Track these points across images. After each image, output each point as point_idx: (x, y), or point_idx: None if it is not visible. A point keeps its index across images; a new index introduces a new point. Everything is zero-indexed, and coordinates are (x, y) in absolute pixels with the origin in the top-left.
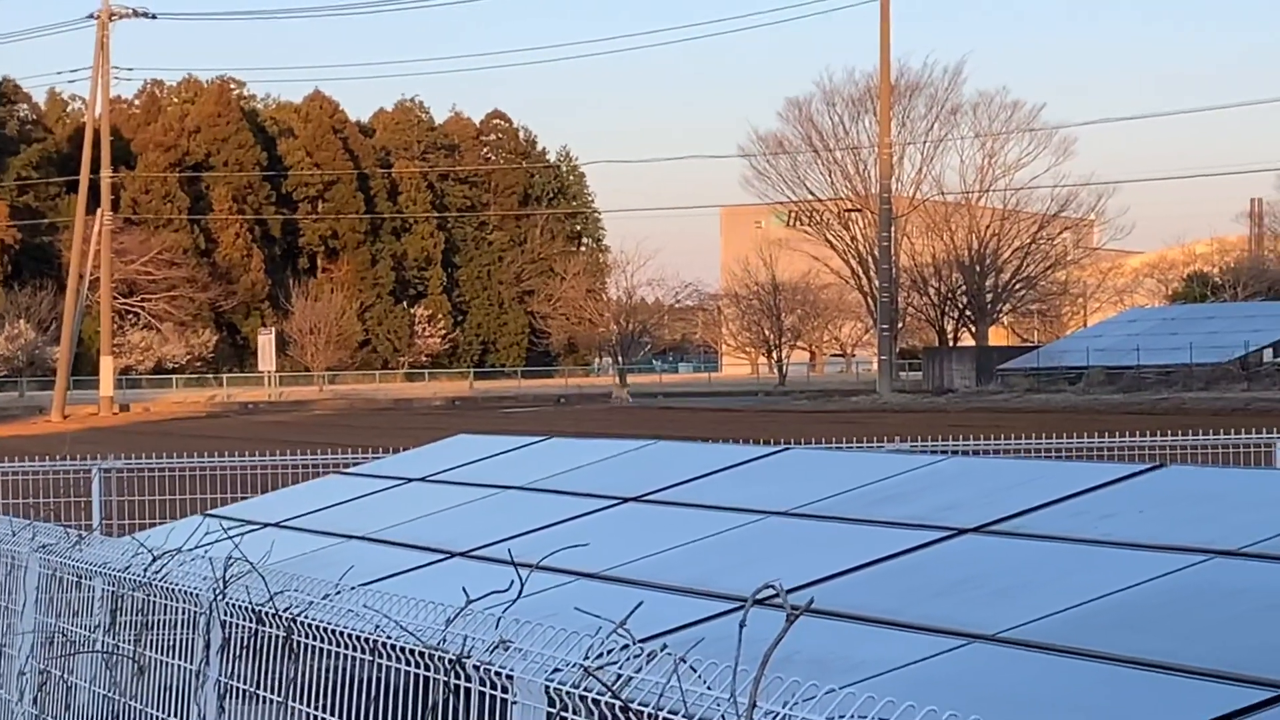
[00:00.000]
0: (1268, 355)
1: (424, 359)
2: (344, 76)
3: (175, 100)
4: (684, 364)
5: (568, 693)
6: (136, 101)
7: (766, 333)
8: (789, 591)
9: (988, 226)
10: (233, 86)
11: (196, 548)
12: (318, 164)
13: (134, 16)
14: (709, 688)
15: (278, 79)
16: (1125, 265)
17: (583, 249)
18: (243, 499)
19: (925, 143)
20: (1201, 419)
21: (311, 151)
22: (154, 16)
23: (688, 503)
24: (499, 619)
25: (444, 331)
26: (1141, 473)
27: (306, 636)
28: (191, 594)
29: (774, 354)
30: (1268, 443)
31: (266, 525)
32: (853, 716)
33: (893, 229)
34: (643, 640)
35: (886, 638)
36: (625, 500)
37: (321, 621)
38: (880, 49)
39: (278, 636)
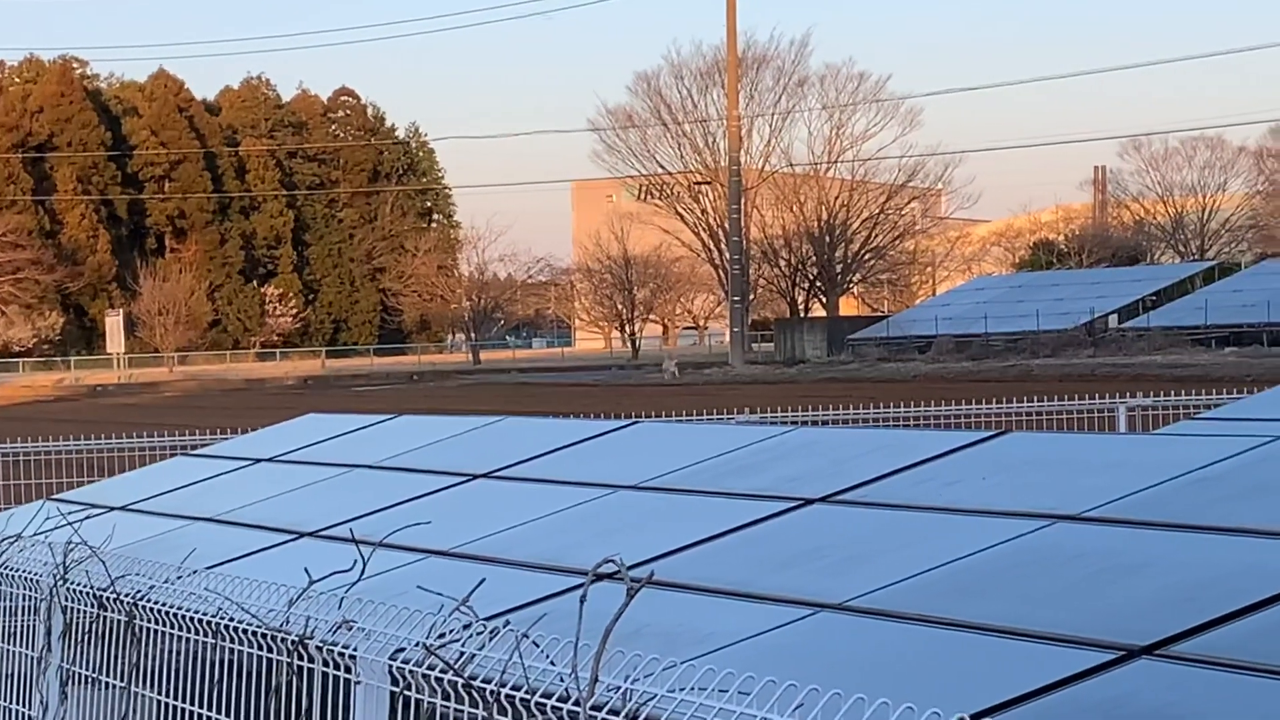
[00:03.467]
0: (1113, 321)
1: (275, 338)
2: (189, 55)
3: (17, 80)
4: (537, 339)
5: (411, 671)
6: None
7: (619, 307)
8: (638, 565)
9: (836, 198)
10: (75, 66)
11: (38, 534)
12: (163, 143)
13: None
14: (552, 663)
15: (122, 58)
16: (973, 234)
17: (434, 226)
18: (91, 483)
19: (773, 115)
20: (1048, 385)
21: (157, 131)
22: None
23: (537, 478)
24: (342, 599)
25: (295, 310)
26: (986, 439)
27: (149, 620)
28: (31, 579)
29: (627, 328)
30: (1111, 408)
31: (110, 509)
32: (694, 688)
33: (742, 201)
34: (487, 618)
35: (735, 609)
36: (474, 477)
37: (164, 605)
38: (727, 22)
39: (120, 621)
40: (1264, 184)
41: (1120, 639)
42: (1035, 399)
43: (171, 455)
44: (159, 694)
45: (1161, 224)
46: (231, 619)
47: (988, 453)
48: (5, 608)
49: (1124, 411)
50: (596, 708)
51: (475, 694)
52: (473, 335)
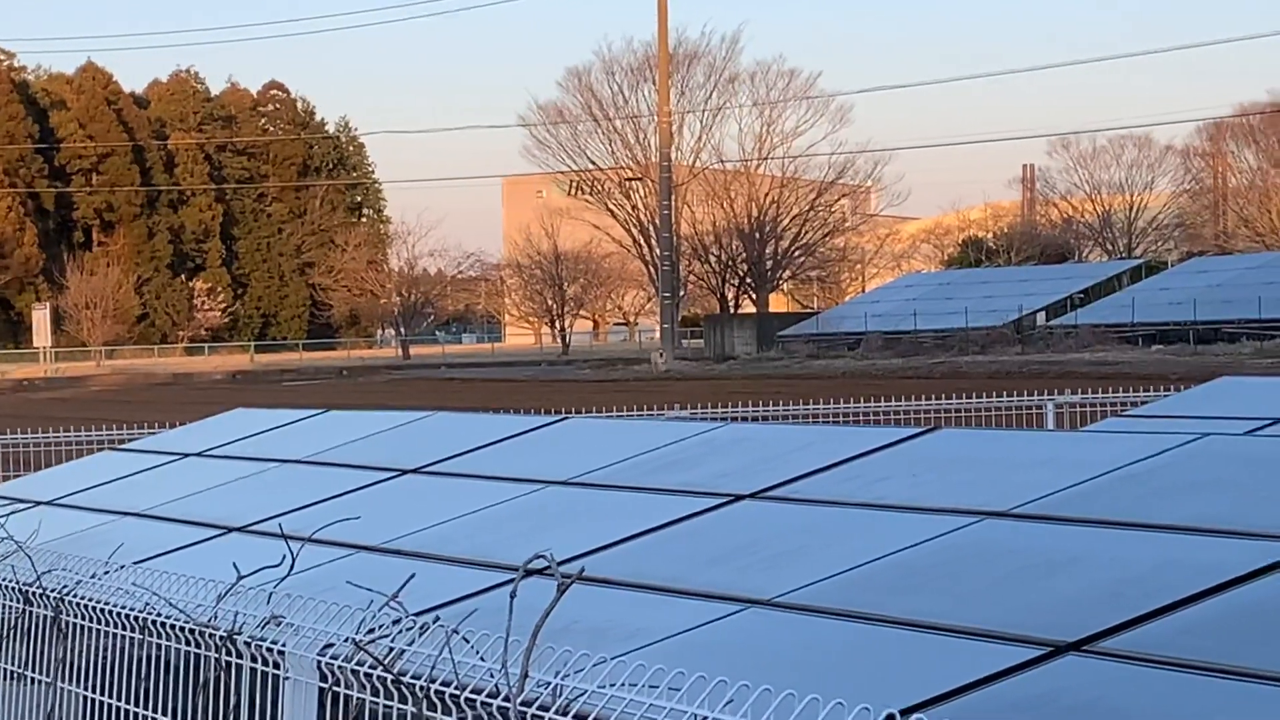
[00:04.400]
0: (1041, 319)
1: (204, 332)
2: (118, 47)
3: None
4: (467, 335)
5: (340, 667)
6: None
7: (549, 302)
8: (568, 561)
9: (767, 194)
10: (3, 58)
11: None
12: (91, 136)
13: None
14: (481, 659)
15: (50, 50)
16: (902, 231)
17: (364, 220)
18: (16, 478)
19: (704, 111)
20: (977, 382)
21: (85, 123)
22: None
23: (467, 474)
24: (270, 594)
25: (224, 305)
26: (915, 436)
27: (75, 616)
28: None
29: (557, 323)
30: (1039, 404)
31: (36, 504)
32: (624, 684)
33: (673, 197)
34: (417, 613)
35: (665, 605)
36: (404, 472)
37: (91, 600)
38: (658, 18)
39: (46, 616)
40: (1190, 183)
41: (1048, 635)
42: (964, 396)
43: (99, 450)
44: (86, 690)
45: (1089, 222)
46: (159, 614)
47: (917, 449)
48: None
49: (1052, 408)
50: (526, 703)
51: (405, 690)
52: (402, 330)
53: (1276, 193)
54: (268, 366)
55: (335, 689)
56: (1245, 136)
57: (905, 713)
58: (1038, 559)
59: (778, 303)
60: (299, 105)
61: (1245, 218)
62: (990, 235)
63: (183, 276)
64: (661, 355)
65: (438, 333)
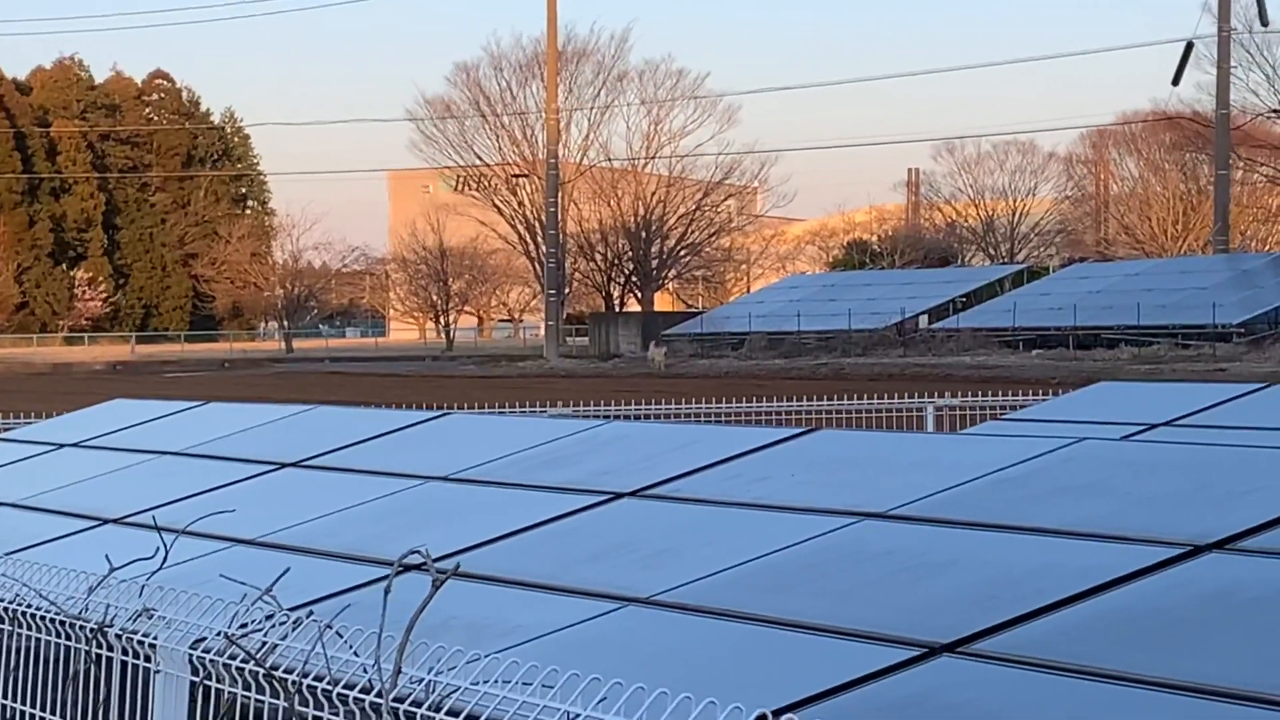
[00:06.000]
0: (923, 322)
1: (84, 323)
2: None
3: None
4: (351, 329)
5: (212, 661)
6: None
7: (434, 298)
8: (445, 557)
9: (654, 193)
10: None
11: None
12: None
13: None
14: (355, 654)
15: None
16: (788, 232)
17: (248, 212)
18: None
19: (592, 109)
20: (859, 384)
21: None
22: None
23: (346, 468)
24: (143, 587)
25: (105, 295)
26: (795, 436)
27: None
28: None
29: (442, 319)
30: (920, 407)
31: None
32: (498, 681)
33: (560, 195)
34: (291, 608)
35: (543, 602)
36: (283, 466)
37: None
38: (547, 14)
39: None
40: (1073, 189)
41: (923, 636)
42: (846, 397)
43: None
44: None
45: (973, 227)
46: (29, 605)
47: (797, 450)
48: None
49: (932, 411)
50: (399, 699)
51: (277, 684)
52: (286, 323)
53: (1157, 201)
54: (149, 358)
55: (207, 683)
56: (1127, 144)
57: (778, 713)
58: (914, 560)
59: (663, 302)
60: (184, 95)
61: (1126, 225)
62: (875, 238)
63: (63, 265)
64: (662, 352)
65: (321, 326)
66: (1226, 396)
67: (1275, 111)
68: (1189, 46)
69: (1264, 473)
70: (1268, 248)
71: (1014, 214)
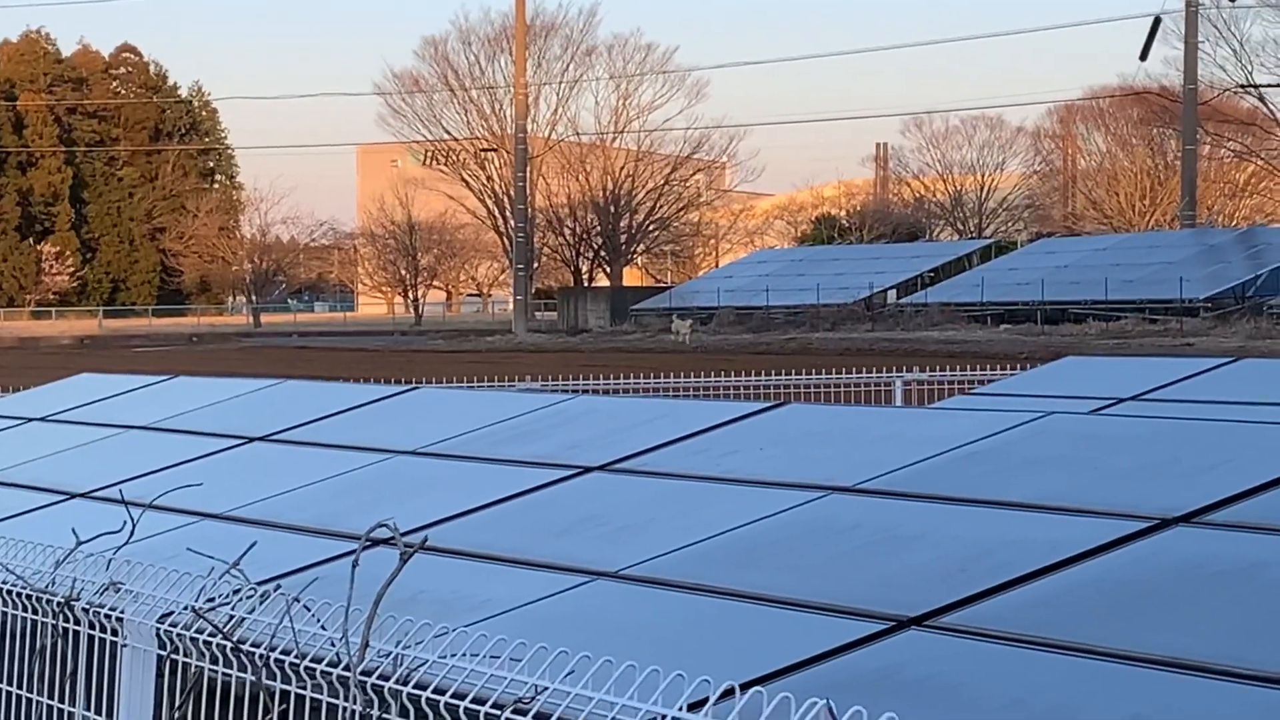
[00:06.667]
0: (892, 296)
1: (52, 297)
2: None
3: None
4: (320, 303)
5: (179, 635)
6: None
7: (403, 272)
8: (413, 531)
9: (622, 168)
10: None
11: None
12: None
13: None
14: (323, 628)
15: None
16: (756, 207)
17: (216, 186)
18: None
19: (561, 83)
20: (827, 359)
21: None
22: None
23: (315, 442)
24: (110, 561)
25: (72, 269)
26: (764, 411)
27: None
28: None
29: (410, 294)
30: (888, 381)
31: None
32: (466, 654)
33: (528, 169)
34: (259, 582)
35: (511, 576)
36: (251, 440)
37: None
38: None
39: None
40: (1040, 164)
41: (891, 610)
42: (814, 372)
43: None
44: None
45: (941, 201)
46: None
47: (766, 424)
48: None
49: (900, 386)
50: (366, 673)
51: (244, 658)
52: (254, 298)
53: (1125, 176)
54: (116, 332)
55: (174, 657)
56: (1095, 119)
57: (745, 686)
58: (882, 534)
59: (632, 277)
60: (151, 69)
61: (1094, 200)
62: (843, 213)
63: (30, 240)
64: (687, 325)
65: (290, 301)
66: (1193, 371)
67: (1243, 86)
68: (1157, 21)
69: (1231, 447)
70: (1234, 223)
71: (982, 189)
